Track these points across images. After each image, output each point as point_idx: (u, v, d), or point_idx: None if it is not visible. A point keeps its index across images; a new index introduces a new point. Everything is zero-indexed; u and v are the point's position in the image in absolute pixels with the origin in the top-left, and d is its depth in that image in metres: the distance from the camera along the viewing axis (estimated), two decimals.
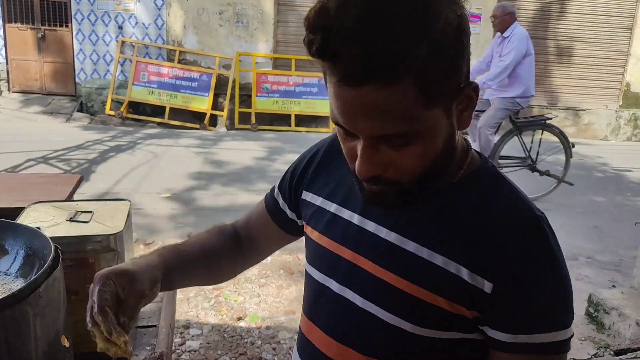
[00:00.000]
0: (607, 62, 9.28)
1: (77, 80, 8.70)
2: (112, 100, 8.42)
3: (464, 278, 0.69)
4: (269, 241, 1.03)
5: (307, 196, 0.89)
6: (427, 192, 0.72)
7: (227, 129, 8.34)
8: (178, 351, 2.48)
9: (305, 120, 8.58)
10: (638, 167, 7.03)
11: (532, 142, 5.03)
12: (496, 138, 4.99)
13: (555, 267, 0.68)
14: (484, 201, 0.72)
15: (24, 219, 1.15)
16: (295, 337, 2.78)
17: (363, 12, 0.57)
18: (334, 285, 0.80)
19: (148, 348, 1.27)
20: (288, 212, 0.96)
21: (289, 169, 0.97)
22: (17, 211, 1.18)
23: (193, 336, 2.59)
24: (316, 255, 0.84)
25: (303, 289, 0.91)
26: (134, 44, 8.50)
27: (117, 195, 4.52)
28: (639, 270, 3.01)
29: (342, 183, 0.84)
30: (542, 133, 4.99)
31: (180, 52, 8.54)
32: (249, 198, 4.86)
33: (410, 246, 0.73)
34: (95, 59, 8.64)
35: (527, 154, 5.06)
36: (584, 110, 9.36)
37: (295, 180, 0.93)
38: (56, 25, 8.63)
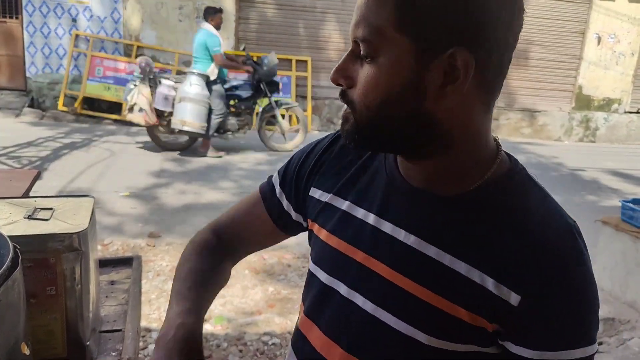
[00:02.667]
0: (561, 65, 9.59)
1: (27, 74, 8.33)
2: (65, 95, 8.11)
3: (489, 288, 0.64)
4: (259, 237, 0.95)
5: (316, 193, 0.83)
6: (447, 198, 0.68)
7: None
8: (140, 355, 2.38)
9: None
10: (591, 167, 7.29)
11: None
12: None
13: (588, 281, 0.65)
14: (513, 207, 0.67)
15: None
16: (262, 338, 2.72)
17: None
18: (342, 289, 0.75)
19: (113, 354, 1.19)
20: (285, 202, 0.89)
21: (293, 159, 0.90)
22: None
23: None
24: (323, 255, 0.78)
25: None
26: (88, 37, 8.20)
27: (73, 194, 4.33)
28: (598, 266, 3.10)
29: (356, 177, 0.78)
30: None
31: (137, 47, 8.29)
32: (212, 197, 4.75)
33: (431, 251, 0.68)
34: (47, 53, 8.30)
35: None
36: (539, 111, 9.65)
37: (302, 174, 0.86)
38: (5, 17, 8.23)
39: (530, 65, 9.49)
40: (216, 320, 2.71)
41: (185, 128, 5.88)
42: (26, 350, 0.88)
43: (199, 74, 5.90)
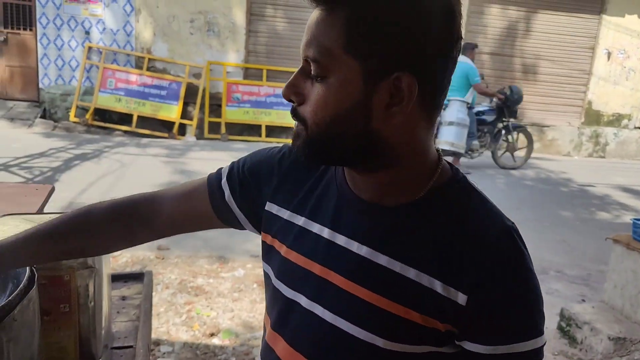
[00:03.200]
0: (570, 80, 9.58)
1: (40, 85, 8.44)
2: (77, 107, 8.20)
3: (437, 290, 0.68)
4: (194, 224, 0.93)
5: (273, 208, 0.84)
6: (395, 208, 0.72)
7: (197, 139, 8.22)
8: None
9: (276, 131, 8.54)
10: (601, 183, 7.24)
11: None
12: None
13: (528, 276, 0.69)
14: (455, 213, 0.71)
15: None
16: None
17: None
18: (303, 301, 0.78)
19: None
20: (236, 210, 0.87)
21: (244, 162, 0.89)
22: None
23: (164, 353, 2.50)
24: (284, 270, 0.81)
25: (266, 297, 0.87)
26: (101, 50, 8.31)
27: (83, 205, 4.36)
28: (609, 284, 3.07)
29: (310, 194, 0.81)
30: None
31: (149, 59, 8.39)
32: None
33: (382, 260, 0.71)
34: (60, 64, 8.41)
35: None
36: (549, 126, 9.62)
37: (258, 183, 0.86)
38: (19, 29, 8.37)
39: (540, 80, 9.49)
40: (224, 334, 2.71)
41: (452, 149, 6.69)
42: None
43: (462, 101, 6.71)
